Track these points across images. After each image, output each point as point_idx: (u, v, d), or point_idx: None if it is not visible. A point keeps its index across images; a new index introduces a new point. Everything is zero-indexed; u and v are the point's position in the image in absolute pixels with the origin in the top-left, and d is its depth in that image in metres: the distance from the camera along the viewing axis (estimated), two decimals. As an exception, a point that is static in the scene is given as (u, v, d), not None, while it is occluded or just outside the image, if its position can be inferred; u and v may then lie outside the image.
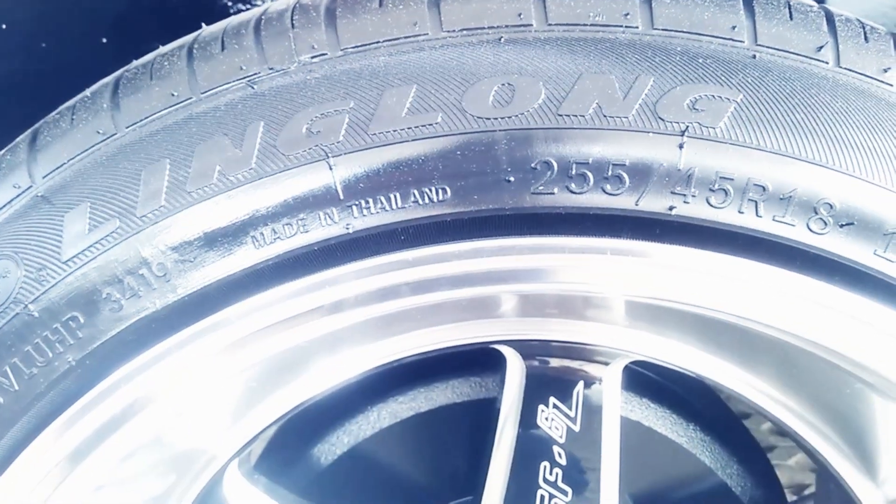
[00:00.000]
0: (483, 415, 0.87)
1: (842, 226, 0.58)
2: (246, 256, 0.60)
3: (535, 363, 0.80)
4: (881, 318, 0.61)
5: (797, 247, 0.59)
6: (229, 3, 1.33)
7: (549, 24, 0.59)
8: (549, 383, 0.80)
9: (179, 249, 0.60)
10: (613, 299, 0.70)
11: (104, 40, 1.14)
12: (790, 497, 1.22)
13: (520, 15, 0.60)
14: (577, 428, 0.79)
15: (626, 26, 0.59)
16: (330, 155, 0.58)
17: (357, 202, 0.59)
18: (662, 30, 0.59)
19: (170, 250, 0.60)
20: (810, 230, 0.59)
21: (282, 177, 0.59)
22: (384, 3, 0.61)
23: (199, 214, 0.59)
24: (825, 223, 0.58)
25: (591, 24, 0.59)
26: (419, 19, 0.60)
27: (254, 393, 0.74)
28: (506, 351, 0.80)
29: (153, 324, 0.62)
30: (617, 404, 0.79)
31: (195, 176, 0.59)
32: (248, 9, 1.34)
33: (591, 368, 0.80)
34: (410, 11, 0.60)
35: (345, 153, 0.58)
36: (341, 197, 0.59)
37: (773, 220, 0.59)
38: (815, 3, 0.63)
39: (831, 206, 0.58)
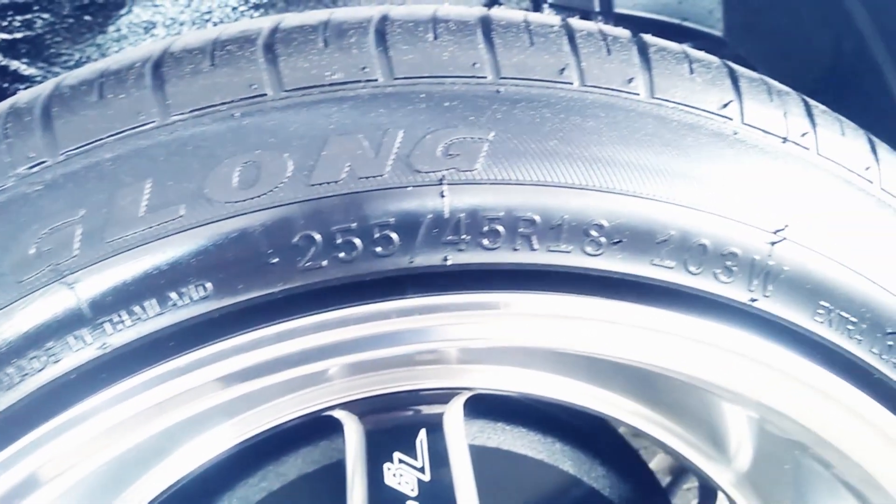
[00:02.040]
0: (339, 479, 0.84)
1: (615, 243, 0.58)
2: (-6, 401, 0.54)
3: (371, 421, 0.77)
4: (675, 326, 0.62)
5: (579, 272, 0.59)
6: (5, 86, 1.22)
7: (285, 91, 0.56)
8: (390, 439, 0.77)
9: (-86, 409, 0.53)
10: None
11: None
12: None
13: (252, 86, 0.56)
14: (426, 477, 0.77)
15: (366, 81, 0.57)
16: (66, 273, 0.53)
17: (109, 318, 0.54)
18: (404, 78, 0.57)
19: None
20: (586, 253, 0.58)
21: (16, 307, 0.53)
22: (104, 95, 0.56)
23: (-73, 367, 0.52)
24: (599, 244, 0.58)
25: (330, 84, 0.56)
26: (144, 107, 0.55)
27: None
28: (339, 415, 0.77)
29: None
30: (463, 441, 0.78)
31: (-85, 324, 0.52)
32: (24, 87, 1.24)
33: (429, 412, 0.78)
34: (133, 99, 0.56)
35: (83, 268, 0.53)
36: (89, 316, 0.53)
37: (549, 250, 0.58)
38: (556, 23, 0.63)
39: (601, 227, 0.58)
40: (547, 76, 0.59)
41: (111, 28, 1.23)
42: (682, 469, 1.29)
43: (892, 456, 0.68)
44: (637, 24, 1.32)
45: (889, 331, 0.65)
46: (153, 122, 0.55)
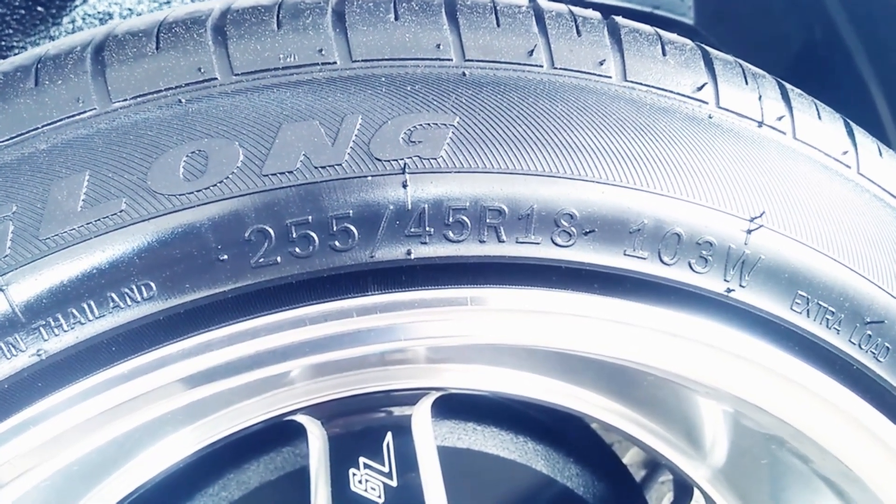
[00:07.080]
0: (303, 486, 0.80)
1: (586, 233, 0.56)
2: (-81, 414, 0.49)
3: (336, 426, 0.73)
4: (649, 318, 0.59)
5: (549, 264, 0.56)
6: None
7: (236, 75, 0.52)
8: (355, 444, 0.74)
9: None
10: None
11: None
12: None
13: (200, 69, 0.52)
14: (394, 483, 0.73)
15: (322, 64, 0.53)
16: (-3, 274, 0.49)
17: (44, 322, 0.50)
18: (363, 61, 0.54)
19: None
20: (556, 244, 0.56)
21: (-58, 312, 0.48)
22: (40, 82, 0.52)
23: None
24: (570, 234, 0.56)
25: (284, 68, 0.53)
26: (83, 93, 0.51)
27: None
28: (302, 420, 0.74)
29: None
30: (432, 444, 0.75)
31: None
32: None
33: (396, 414, 0.75)
34: (72, 86, 0.51)
35: (16, 268, 0.49)
36: (23, 320, 0.49)
37: (517, 242, 0.55)
38: (524, 3, 0.60)
39: (572, 217, 0.55)
40: (515, 58, 0.56)
41: (65, 19, 1.17)
42: (657, 463, 1.27)
43: (872, 448, 0.66)
44: (609, 13, 1.30)
45: (868, 320, 0.64)
46: (93, 109, 0.51)
